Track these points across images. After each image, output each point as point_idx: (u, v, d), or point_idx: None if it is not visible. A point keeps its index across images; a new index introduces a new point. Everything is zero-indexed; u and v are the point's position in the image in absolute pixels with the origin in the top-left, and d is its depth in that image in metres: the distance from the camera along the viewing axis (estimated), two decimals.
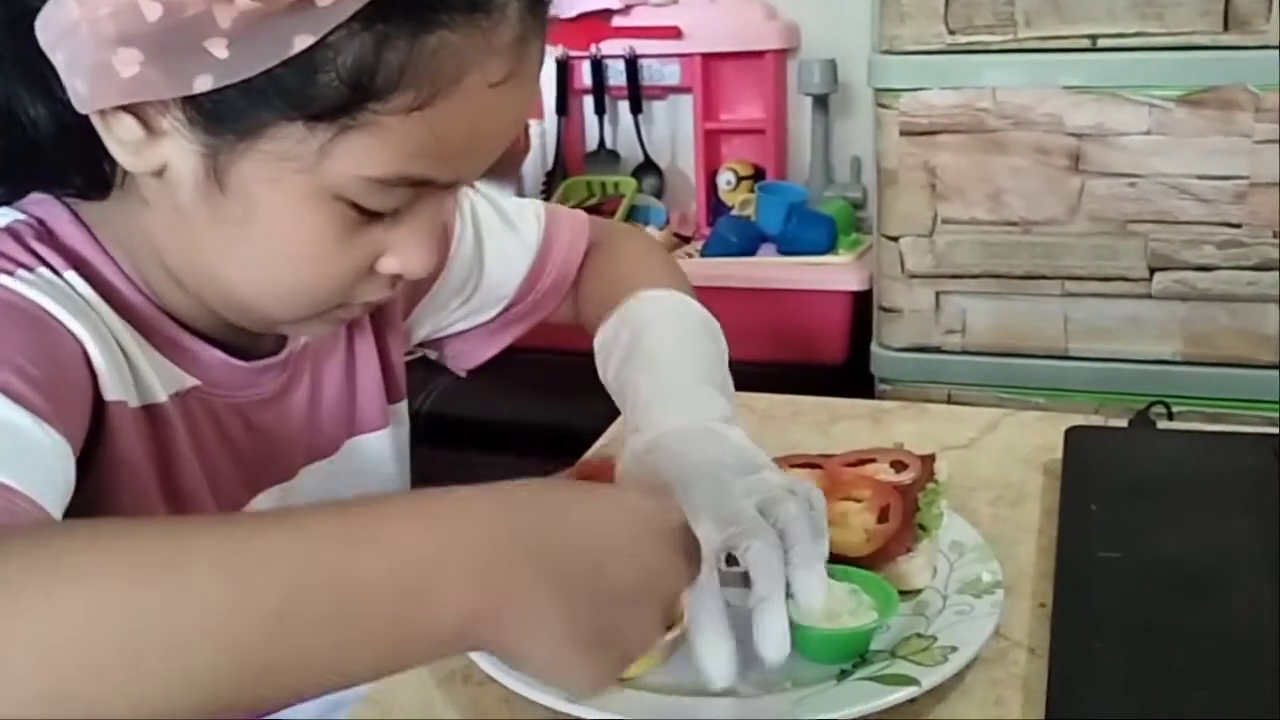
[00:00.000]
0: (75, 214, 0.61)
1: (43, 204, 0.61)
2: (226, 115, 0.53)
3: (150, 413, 0.62)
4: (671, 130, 2.04)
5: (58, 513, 0.49)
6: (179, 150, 0.55)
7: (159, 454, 0.62)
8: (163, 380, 0.63)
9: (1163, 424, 1.01)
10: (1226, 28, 1.20)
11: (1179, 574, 0.75)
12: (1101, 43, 1.24)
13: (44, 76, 0.54)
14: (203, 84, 0.51)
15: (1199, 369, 1.26)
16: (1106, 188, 1.23)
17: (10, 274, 0.56)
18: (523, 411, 1.61)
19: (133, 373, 0.60)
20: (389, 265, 0.60)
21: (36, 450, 0.50)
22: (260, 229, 0.57)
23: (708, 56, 1.92)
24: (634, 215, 1.92)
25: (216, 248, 0.58)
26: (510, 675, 0.66)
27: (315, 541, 0.41)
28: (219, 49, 0.51)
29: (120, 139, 0.55)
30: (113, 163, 0.57)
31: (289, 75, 0.52)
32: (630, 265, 0.87)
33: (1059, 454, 0.96)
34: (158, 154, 0.56)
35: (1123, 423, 1.01)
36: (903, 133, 1.27)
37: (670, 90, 1.99)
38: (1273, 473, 0.85)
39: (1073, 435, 0.97)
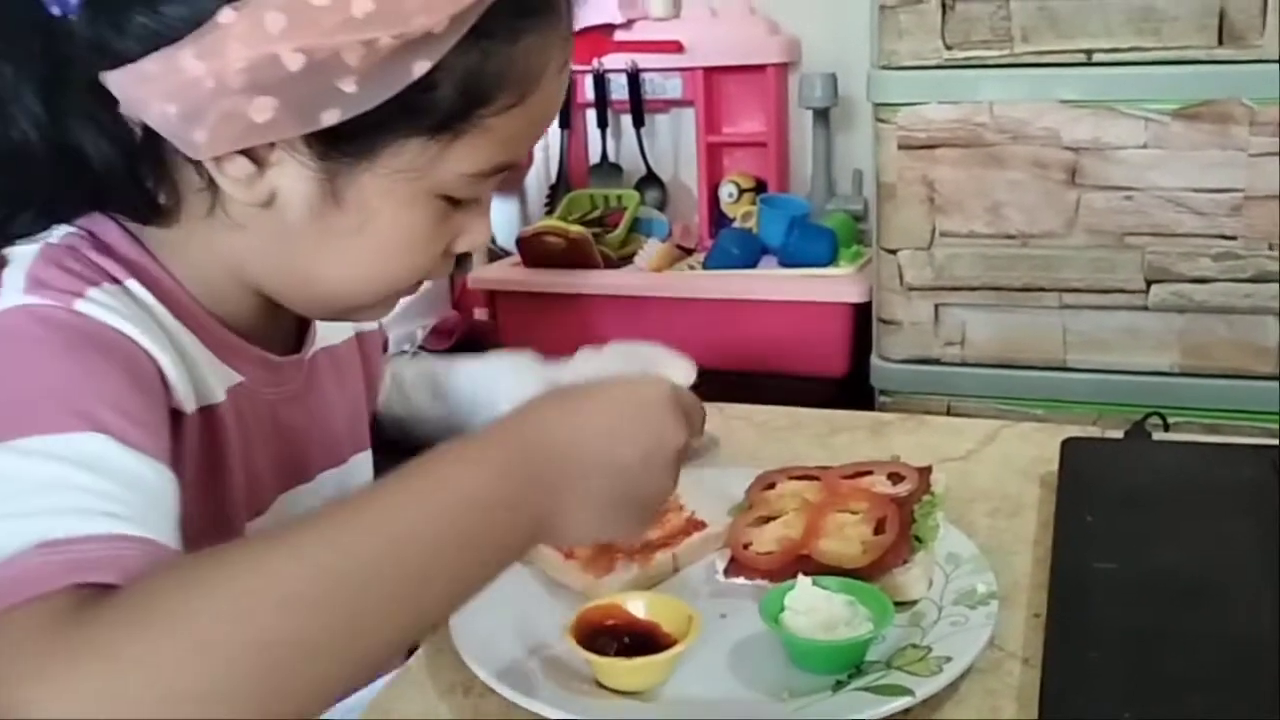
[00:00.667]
0: (120, 225, 0.64)
1: (92, 219, 0.63)
2: (349, 141, 0.59)
3: (207, 414, 0.65)
4: (674, 143, 2.05)
5: (176, 539, 0.53)
6: (292, 177, 0.60)
7: (209, 454, 0.65)
8: (218, 379, 0.66)
9: (1158, 435, 1.02)
10: (1221, 42, 1.21)
11: (1174, 584, 0.75)
12: (1097, 57, 1.25)
13: (100, 120, 0.58)
14: (331, 118, 0.56)
15: (1196, 380, 1.27)
16: (1103, 201, 1.24)
17: (82, 295, 0.58)
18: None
19: (193, 376, 0.63)
20: (463, 244, 0.67)
21: (156, 492, 0.54)
22: (370, 233, 0.62)
23: (709, 70, 1.93)
24: (637, 228, 1.94)
25: (318, 255, 0.63)
26: (509, 687, 0.67)
27: (395, 510, 0.51)
28: (348, 85, 0.55)
29: (233, 177, 0.59)
30: (170, 192, 0.62)
31: (409, 97, 0.57)
32: None
33: (1056, 466, 0.97)
34: (267, 185, 0.60)
35: (1118, 434, 1.02)
36: (901, 146, 1.28)
37: (672, 104, 2.01)
38: (1269, 483, 0.86)
39: (1069, 447, 0.97)
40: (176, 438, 0.60)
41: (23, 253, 0.60)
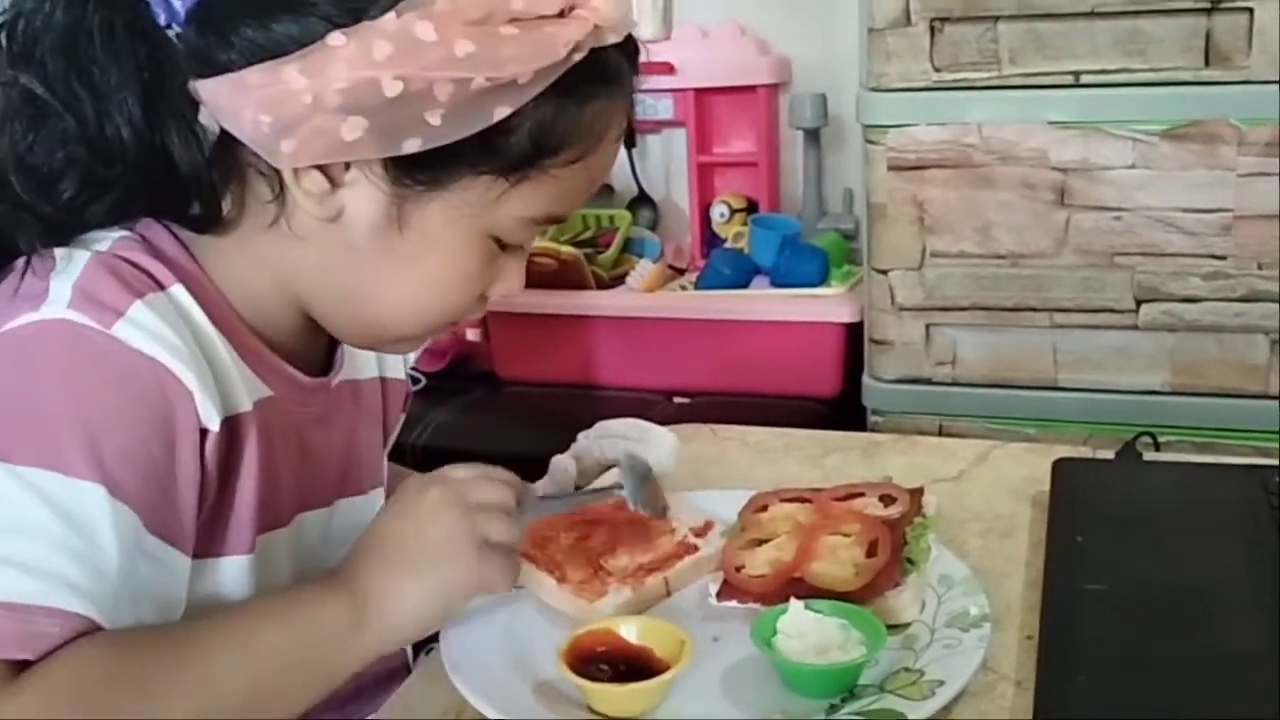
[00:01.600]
0: (172, 233, 0.67)
1: (142, 223, 0.66)
2: (423, 168, 0.63)
3: (232, 423, 0.66)
4: (665, 163, 2.06)
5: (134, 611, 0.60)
6: (363, 198, 0.64)
7: (228, 462, 0.66)
8: (248, 390, 0.67)
9: (1149, 455, 1.02)
10: (1208, 63, 1.22)
11: (1165, 606, 0.75)
12: (1085, 79, 1.26)
13: (190, 124, 0.62)
14: (412, 146, 0.60)
15: (1187, 399, 1.27)
16: (1093, 221, 1.25)
17: (123, 314, 0.61)
18: (516, 444, 1.61)
19: (223, 386, 0.65)
20: (498, 289, 0.70)
21: (172, 579, 0.62)
22: (426, 262, 0.66)
23: (700, 91, 1.94)
24: (629, 248, 1.94)
25: (373, 278, 0.67)
26: (501, 713, 0.67)
27: (265, 643, 0.63)
28: (434, 118, 0.59)
29: (307, 190, 0.63)
30: (234, 202, 0.66)
31: (485, 136, 0.61)
32: None
33: (1048, 486, 0.97)
34: (338, 202, 0.64)
35: (1110, 454, 1.02)
36: (891, 168, 1.29)
37: (664, 124, 2.01)
38: (1259, 504, 0.86)
39: (1060, 468, 0.97)
40: (199, 454, 0.63)
41: (74, 261, 0.63)
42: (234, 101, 0.60)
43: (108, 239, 0.65)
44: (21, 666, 0.54)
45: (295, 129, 0.60)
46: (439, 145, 0.60)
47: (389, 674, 0.81)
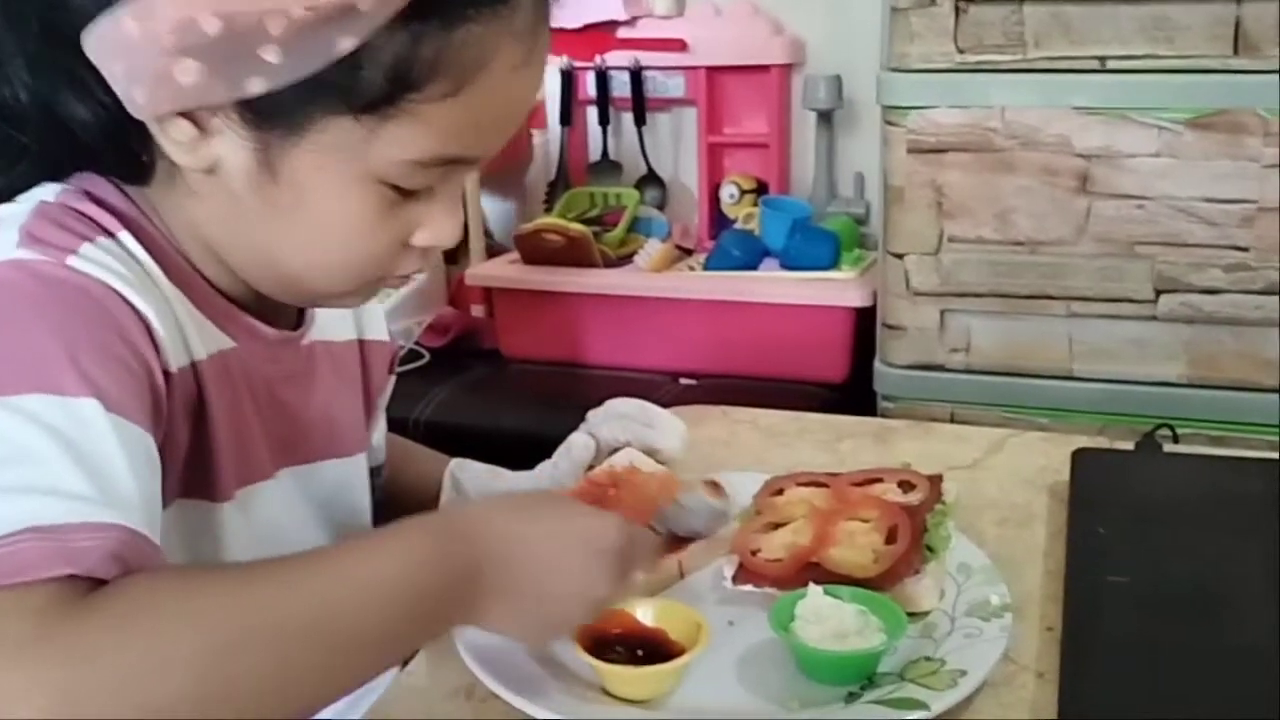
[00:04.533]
0: (118, 185, 0.65)
1: (86, 177, 0.64)
2: (277, 113, 0.58)
3: (193, 371, 0.65)
4: (675, 142, 2.04)
5: (150, 513, 0.55)
6: (231, 147, 0.60)
7: (194, 413, 0.65)
8: (204, 340, 0.66)
9: (1168, 447, 1.01)
10: (1236, 51, 1.20)
11: (1189, 600, 0.74)
12: (1111, 64, 1.24)
13: (84, 80, 0.59)
14: (255, 87, 0.56)
15: (1203, 392, 1.26)
16: (1114, 209, 1.23)
17: (75, 251, 0.59)
18: (519, 422, 1.60)
19: (182, 334, 0.64)
20: (422, 238, 0.65)
21: (136, 463, 0.55)
22: (310, 213, 0.62)
23: (712, 70, 1.92)
24: (635, 227, 1.92)
25: (268, 231, 0.63)
26: (513, 693, 0.65)
27: (335, 581, 0.56)
28: (271, 55, 0.55)
29: (175, 140, 0.60)
30: (150, 154, 0.62)
31: (334, 74, 0.56)
32: None
33: (1064, 475, 0.96)
34: (210, 151, 0.60)
35: (1129, 445, 1.01)
36: (910, 150, 1.27)
37: (674, 102, 1.99)
38: None
39: (1080, 458, 0.96)
40: (167, 396, 0.61)
41: (15, 211, 0.61)
42: (99, 52, 0.58)
43: (51, 191, 0.63)
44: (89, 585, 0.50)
45: (141, 76, 0.57)
46: (286, 85, 0.56)
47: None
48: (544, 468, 0.88)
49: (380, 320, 0.85)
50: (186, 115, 0.59)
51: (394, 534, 0.60)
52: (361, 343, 0.83)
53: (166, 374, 0.61)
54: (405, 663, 0.83)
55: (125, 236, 0.62)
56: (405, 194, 0.62)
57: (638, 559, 0.66)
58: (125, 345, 0.58)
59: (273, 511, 0.72)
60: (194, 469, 0.66)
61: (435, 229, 0.65)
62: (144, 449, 0.56)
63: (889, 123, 1.29)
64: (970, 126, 1.25)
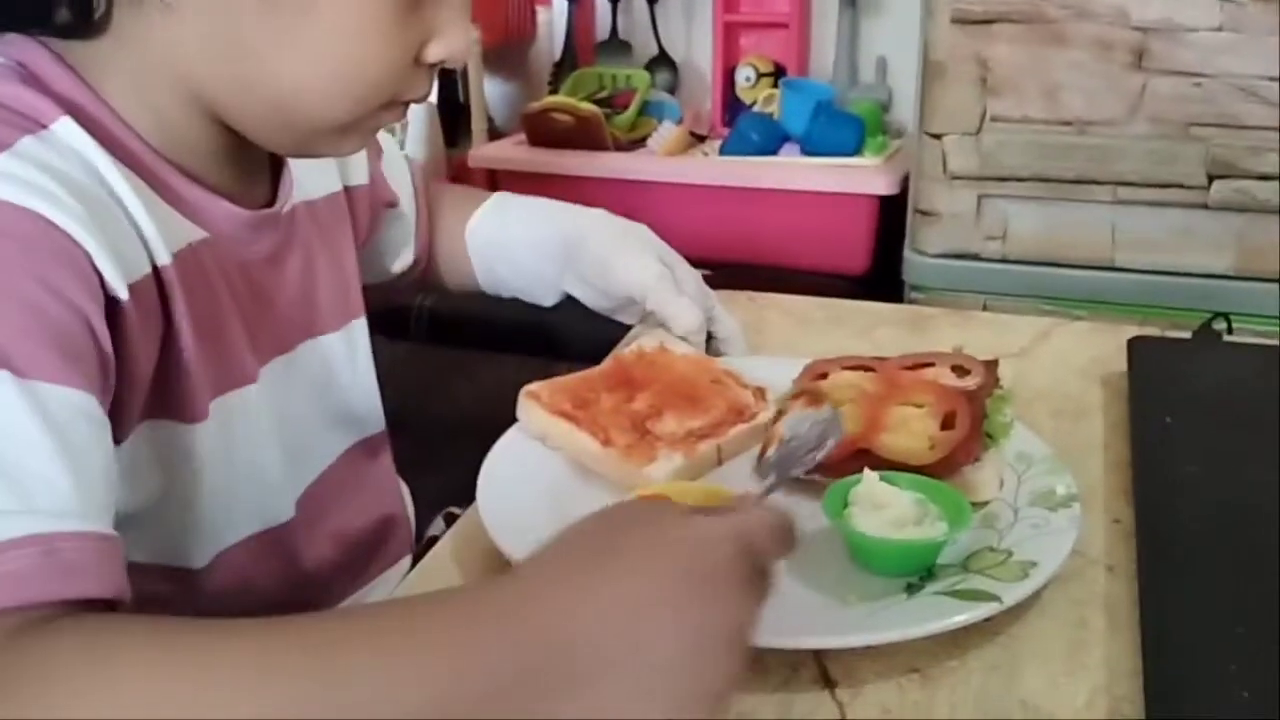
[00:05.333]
0: (58, 56, 0.56)
1: (19, 46, 0.56)
2: None
3: (156, 279, 0.56)
4: (688, 21, 1.94)
5: (92, 489, 0.46)
6: None
7: (159, 327, 0.57)
8: (167, 237, 0.57)
9: (1227, 338, 0.96)
10: None
11: (1267, 492, 0.70)
12: None
13: None
14: None
15: (1251, 284, 1.20)
16: (1170, 87, 1.15)
17: None
18: (524, 310, 1.54)
19: (139, 235, 0.55)
20: (437, 51, 0.60)
21: (64, 438, 0.46)
22: (321, 14, 0.55)
23: None
24: (646, 110, 1.83)
25: (269, 42, 0.56)
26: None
27: (349, 673, 0.40)
28: None
29: None
30: None
31: None
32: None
33: (1118, 366, 0.91)
34: None
35: (1185, 335, 0.96)
36: (954, 21, 1.19)
37: None
38: None
39: (1136, 347, 0.91)
40: (114, 325, 0.52)
41: None
42: None
43: None
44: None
45: None
46: None
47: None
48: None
49: (363, 162, 0.78)
50: None
51: (427, 622, 0.42)
52: (347, 190, 0.76)
53: (114, 301, 0.52)
54: (428, 547, 0.79)
55: (63, 125, 0.54)
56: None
57: (770, 548, 0.47)
58: (46, 290, 0.48)
59: (258, 419, 0.65)
60: (162, 388, 0.58)
61: (449, 39, 0.60)
62: (75, 411, 0.47)
63: None
64: None
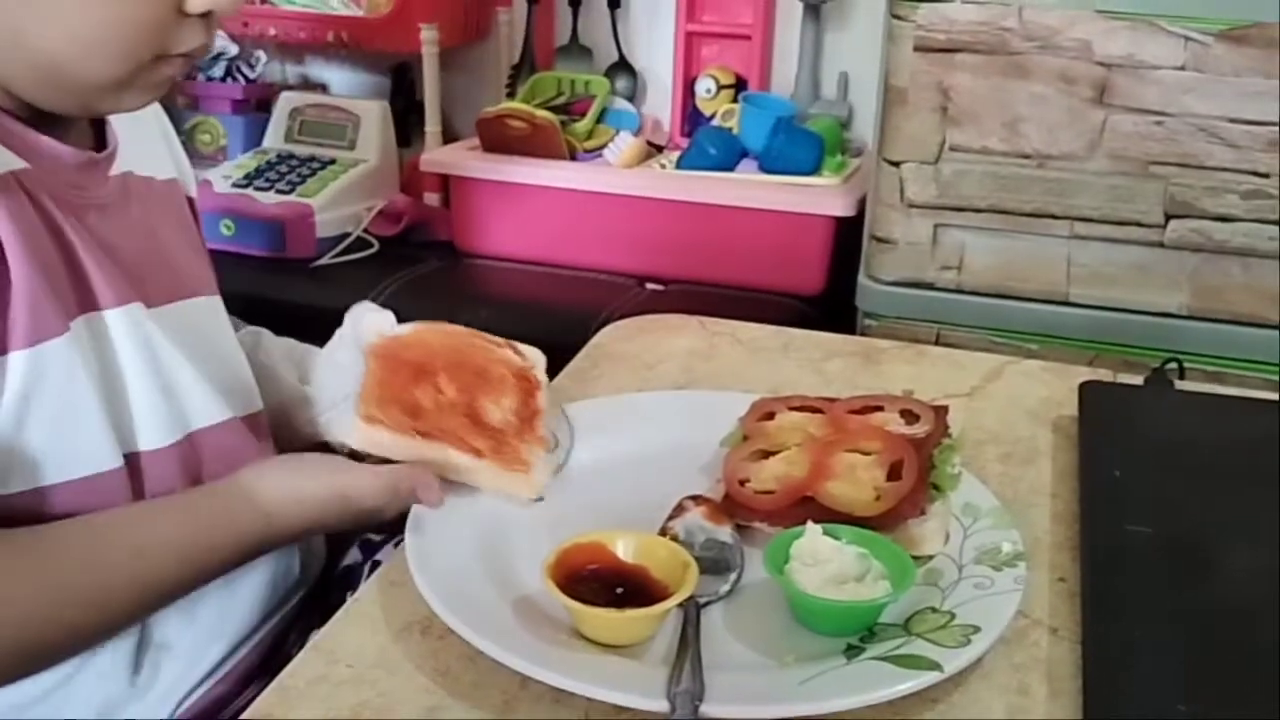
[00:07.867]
0: None
1: None
2: None
3: None
4: (650, 29, 1.91)
5: None
6: None
7: None
8: None
9: (1179, 384, 0.95)
10: None
11: (1216, 552, 0.69)
12: None
13: None
14: None
15: (1203, 325, 1.19)
16: (1131, 124, 1.14)
17: None
18: (472, 320, 1.51)
19: None
20: (196, 3, 0.62)
21: None
22: None
23: None
24: (604, 119, 1.80)
25: (26, 16, 0.59)
26: (474, 632, 0.57)
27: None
28: None
29: None
30: None
31: None
32: None
33: (1068, 409, 0.90)
34: None
35: (1135, 379, 0.94)
36: (917, 48, 1.17)
37: None
38: None
39: (1087, 391, 0.90)
40: None
41: None
42: None
43: None
44: None
45: None
46: None
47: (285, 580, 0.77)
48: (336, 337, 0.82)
49: (184, 158, 0.82)
50: None
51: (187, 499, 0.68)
52: (190, 201, 0.81)
53: None
54: (353, 588, 0.76)
55: None
56: None
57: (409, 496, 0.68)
58: None
59: (117, 343, 0.67)
60: (46, 294, 0.61)
61: None
62: None
63: (896, 16, 1.18)
64: (985, 25, 1.15)
